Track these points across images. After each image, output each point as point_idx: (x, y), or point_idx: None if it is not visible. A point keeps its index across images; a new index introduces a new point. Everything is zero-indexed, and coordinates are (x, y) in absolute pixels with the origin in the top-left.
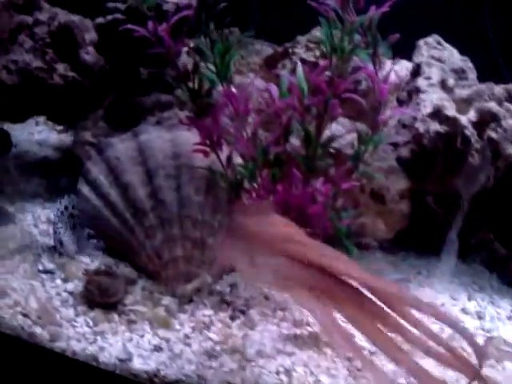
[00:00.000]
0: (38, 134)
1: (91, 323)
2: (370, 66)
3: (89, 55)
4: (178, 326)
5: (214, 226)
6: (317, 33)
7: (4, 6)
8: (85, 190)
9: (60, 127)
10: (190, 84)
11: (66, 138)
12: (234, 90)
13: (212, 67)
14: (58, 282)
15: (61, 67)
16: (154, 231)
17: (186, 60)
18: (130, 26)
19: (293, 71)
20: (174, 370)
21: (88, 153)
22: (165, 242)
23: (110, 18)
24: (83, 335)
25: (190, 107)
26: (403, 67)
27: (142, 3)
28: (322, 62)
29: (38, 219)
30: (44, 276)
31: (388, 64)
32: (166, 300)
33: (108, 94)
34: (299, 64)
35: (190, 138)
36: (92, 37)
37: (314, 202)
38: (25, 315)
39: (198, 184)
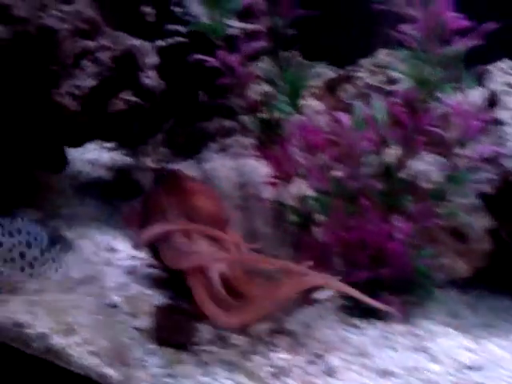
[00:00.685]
0: (89, 153)
1: (162, 364)
2: (454, 99)
3: (150, 79)
4: (253, 370)
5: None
6: (381, 57)
7: (69, 32)
8: None
9: (109, 145)
10: (260, 114)
11: (117, 157)
12: (305, 120)
13: (283, 97)
14: (125, 317)
15: (123, 92)
16: None
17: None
18: (199, 56)
19: (357, 97)
20: None
21: (149, 179)
22: None
23: (171, 41)
24: (155, 377)
25: (259, 137)
26: (472, 94)
27: (212, 33)
28: (395, 89)
29: (98, 246)
30: (110, 310)
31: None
32: (236, 339)
33: (168, 118)
34: (376, 95)
35: (255, 167)
36: (152, 60)
37: (391, 239)
38: (94, 354)
39: (267, 216)
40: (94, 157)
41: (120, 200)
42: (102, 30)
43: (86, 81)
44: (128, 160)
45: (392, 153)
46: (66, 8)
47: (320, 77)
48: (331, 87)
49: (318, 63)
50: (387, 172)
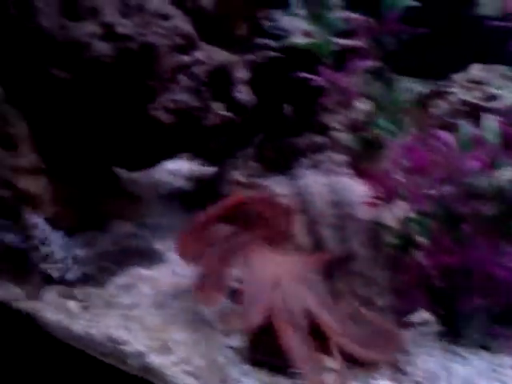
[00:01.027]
0: (169, 163)
1: None
2: None
3: (242, 93)
4: None
5: (381, 283)
6: (475, 72)
7: (168, 47)
8: None
9: (187, 155)
10: (361, 131)
11: (196, 167)
12: (408, 139)
13: (384, 114)
14: (218, 334)
15: (216, 106)
16: None
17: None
18: (304, 74)
19: (451, 113)
20: None
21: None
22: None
23: (263, 55)
24: None
25: (358, 155)
26: None
27: (318, 51)
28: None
29: None
30: (203, 327)
31: None
32: (332, 363)
33: (257, 132)
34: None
35: (349, 184)
36: (243, 74)
37: (502, 266)
38: (191, 374)
39: (364, 237)
40: (174, 167)
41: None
42: (197, 45)
43: (181, 95)
44: (209, 171)
45: (503, 175)
46: (165, 24)
47: (410, 92)
48: (422, 103)
49: (409, 78)
50: (499, 195)
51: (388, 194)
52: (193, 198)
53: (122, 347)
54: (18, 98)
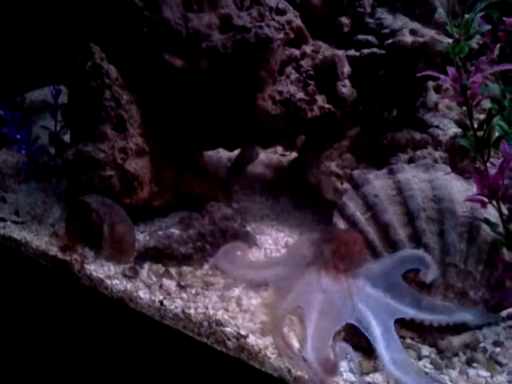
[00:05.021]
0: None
1: (355, 370)
2: None
3: (345, 88)
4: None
5: (476, 277)
6: None
7: (282, 40)
8: (340, 224)
9: None
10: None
11: (273, 156)
12: None
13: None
14: None
15: (319, 99)
16: None
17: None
18: (430, 72)
19: None
20: None
21: (333, 184)
22: (425, 287)
23: (366, 51)
24: None
25: (464, 154)
26: None
27: (457, 53)
28: None
29: (277, 243)
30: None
31: None
32: (426, 350)
33: (353, 124)
34: None
35: (449, 180)
36: (347, 69)
37: None
38: None
39: (462, 231)
40: None
41: (285, 197)
42: (306, 39)
43: (288, 87)
44: (287, 159)
45: None
46: (280, 18)
47: None
48: None
49: None
50: None
51: (492, 193)
52: (272, 185)
53: (222, 328)
54: (133, 83)
